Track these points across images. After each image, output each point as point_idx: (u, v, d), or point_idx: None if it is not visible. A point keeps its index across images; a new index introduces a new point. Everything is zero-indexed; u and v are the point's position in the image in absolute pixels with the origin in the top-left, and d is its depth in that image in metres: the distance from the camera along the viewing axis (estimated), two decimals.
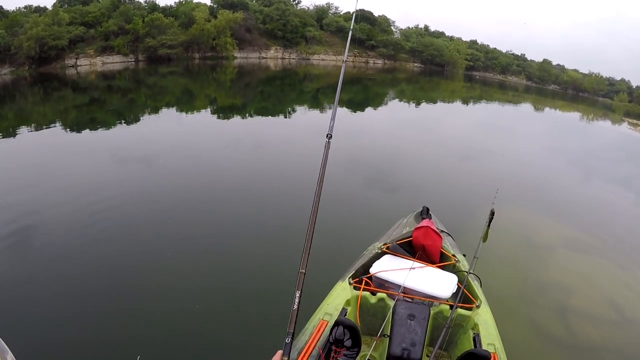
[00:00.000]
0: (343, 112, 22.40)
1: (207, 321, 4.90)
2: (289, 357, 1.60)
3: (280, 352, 1.62)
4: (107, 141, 14.05)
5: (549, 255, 7.38)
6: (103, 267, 5.94)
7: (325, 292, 3.73)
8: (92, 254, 6.32)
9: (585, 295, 6.24)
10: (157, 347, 4.47)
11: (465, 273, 3.79)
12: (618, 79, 69.09)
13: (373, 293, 3.65)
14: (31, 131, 15.90)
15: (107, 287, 5.49)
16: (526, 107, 37.54)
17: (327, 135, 2.67)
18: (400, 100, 31.99)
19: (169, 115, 19.94)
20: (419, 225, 4.33)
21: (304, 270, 1.87)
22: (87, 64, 38.29)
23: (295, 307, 1.75)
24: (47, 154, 12.19)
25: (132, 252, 6.42)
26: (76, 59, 37.93)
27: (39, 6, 40.40)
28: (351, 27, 4.52)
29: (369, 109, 25.81)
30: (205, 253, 6.48)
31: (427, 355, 3.14)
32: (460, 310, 3.42)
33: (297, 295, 1.77)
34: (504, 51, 72.45)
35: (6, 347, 1.87)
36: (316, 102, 26.40)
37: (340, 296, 3.58)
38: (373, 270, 3.86)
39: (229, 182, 9.96)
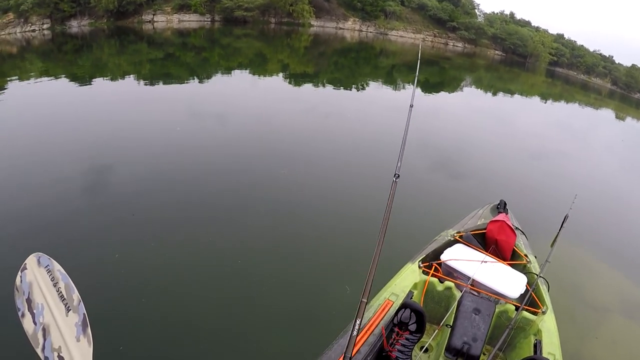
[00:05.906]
0: (417, 92, 21.13)
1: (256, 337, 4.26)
2: None
3: None
4: (171, 96, 13.96)
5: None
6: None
7: (393, 272, 3.63)
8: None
9: None
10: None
11: (535, 275, 3.62)
12: None
13: (441, 280, 3.58)
14: (106, 80, 15.95)
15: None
16: (607, 113, 33.52)
17: (394, 175, 2.44)
18: (477, 88, 29.94)
19: (239, 77, 19.55)
20: (494, 219, 4.24)
21: (365, 300, 1.81)
22: (164, 21, 38.87)
23: (355, 333, 1.73)
24: (116, 103, 12.12)
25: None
26: (153, 15, 38.60)
27: None
28: None
29: (443, 93, 24.37)
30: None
31: (483, 353, 3.07)
32: (525, 314, 3.28)
33: (358, 323, 1.75)
34: (591, 50, 66.41)
35: (73, 285, 1.89)
36: (390, 79, 25.13)
37: (409, 278, 3.53)
38: (444, 257, 3.79)
39: (290, 160, 9.02)
